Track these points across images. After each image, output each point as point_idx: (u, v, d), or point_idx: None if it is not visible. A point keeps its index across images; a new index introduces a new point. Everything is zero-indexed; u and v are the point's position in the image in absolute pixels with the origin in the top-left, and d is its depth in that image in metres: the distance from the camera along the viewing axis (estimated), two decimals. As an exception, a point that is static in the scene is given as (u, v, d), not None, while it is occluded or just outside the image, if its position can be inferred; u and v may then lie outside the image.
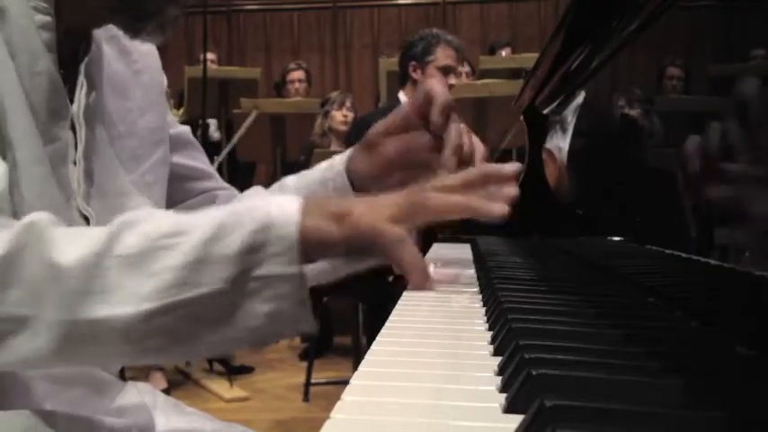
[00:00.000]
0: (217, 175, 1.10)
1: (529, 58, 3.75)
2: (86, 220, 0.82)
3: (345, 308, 3.80)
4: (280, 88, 5.79)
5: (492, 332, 0.61)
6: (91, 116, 0.84)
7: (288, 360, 4.30)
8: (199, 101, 4.06)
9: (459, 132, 0.89)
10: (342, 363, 3.99)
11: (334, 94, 4.78)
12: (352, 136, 3.36)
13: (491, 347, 0.56)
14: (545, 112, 1.40)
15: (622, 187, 1.05)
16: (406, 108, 0.94)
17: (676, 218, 0.81)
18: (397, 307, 0.71)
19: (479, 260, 1.03)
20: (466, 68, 4.90)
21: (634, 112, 1.03)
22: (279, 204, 0.67)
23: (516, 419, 0.38)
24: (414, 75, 3.27)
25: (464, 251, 1.21)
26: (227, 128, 4.65)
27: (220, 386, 3.65)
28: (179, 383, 3.80)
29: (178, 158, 1.01)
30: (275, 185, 1.04)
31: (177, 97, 5.08)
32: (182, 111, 4.77)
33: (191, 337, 0.65)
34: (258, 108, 4.20)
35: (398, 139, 0.93)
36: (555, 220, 1.34)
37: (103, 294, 0.63)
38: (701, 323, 0.63)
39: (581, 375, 0.43)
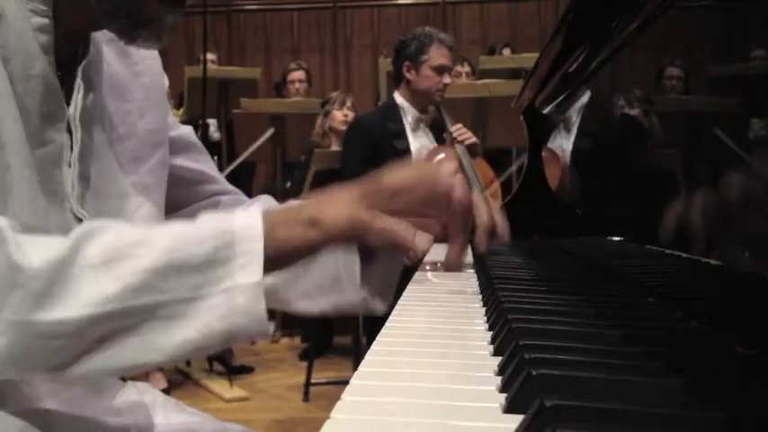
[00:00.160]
0: (222, 178, 1.08)
1: (529, 58, 3.75)
2: (80, 223, 0.82)
3: (345, 308, 3.79)
4: (280, 88, 5.79)
5: (492, 332, 0.61)
6: (88, 118, 0.84)
7: (288, 360, 4.30)
8: (199, 101, 4.05)
9: (489, 213, 0.86)
10: (342, 363, 3.99)
11: (334, 94, 4.78)
12: (349, 137, 3.36)
13: (491, 347, 0.56)
14: (545, 112, 1.40)
15: (622, 187, 1.05)
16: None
17: (676, 218, 0.81)
18: (397, 307, 0.71)
19: (479, 260, 1.03)
20: (466, 68, 4.90)
21: (634, 112, 1.03)
22: (242, 219, 0.67)
23: (516, 419, 0.38)
24: (408, 75, 3.25)
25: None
26: (228, 128, 4.65)
27: (220, 386, 3.65)
28: (179, 383, 3.80)
29: (181, 161, 1.00)
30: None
31: (177, 97, 5.08)
32: (182, 111, 4.77)
33: (144, 347, 0.65)
34: (270, 125, 4.16)
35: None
36: (555, 220, 1.34)
37: (64, 297, 0.63)
38: (700, 323, 0.63)
39: (581, 375, 0.43)
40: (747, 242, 0.63)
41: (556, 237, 1.32)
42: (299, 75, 5.45)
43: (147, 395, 0.97)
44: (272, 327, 4.73)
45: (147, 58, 0.96)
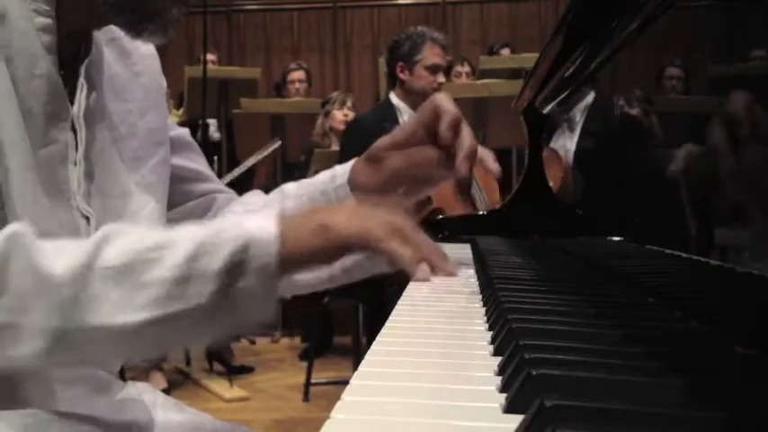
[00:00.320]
0: (215, 177, 1.10)
1: (529, 58, 3.75)
2: (87, 221, 0.82)
3: (345, 308, 3.80)
4: (280, 88, 5.79)
5: (492, 332, 0.61)
6: (91, 117, 0.84)
7: (288, 360, 4.30)
8: (199, 101, 4.06)
9: (472, 139, 0.89)
10: (342, 363, 3.99)
11: (335, 94, 4.78)
12: (346, 138, 3.36)
13: (491, 347, 0.56)
14: (545, 112, 1.40)
15: (622, 187, 1.05)
16: (413, 122, 0.93)
17: (676, 218, 0.82)
18: (396, 307, 0.71)
19: (479, 260, 1.03)
20: (466, 68, 4.91)
21: (634, 113, 1.03)
22: (256, 224, 0.70)
23: (516, 419, 0.38)
24: (401, 75, 3.24)
25: (464, 251, 1.21)
26: (228, 128, 4.65)
27: (220, 386, 3.65)
28: (179, 383, 3.80)
29: (177, 160, 1.01)
30: (275, 192, 1.04)
31: (177, 97, 5.08)
32: (182, 111, 4.77)
33: (168, 344, 0.72)
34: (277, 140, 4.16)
35: (404, 153, 0.93)
36: (555, 220, 1.34)
37: (96, 303, 0.65)
38: (700, 323, 0.63)
39: (581, 375, 0.43)
40: (747, 242, 0.63)
41: (556, 237, 1.32)
42: (299, 75, 5.45)
43: (147, 395, 0.97)
44: (276, 334, 4.74)
45: (146, 59, 0.97)
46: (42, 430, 0.77)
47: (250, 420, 3.04)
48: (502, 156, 3.77)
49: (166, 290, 0.66)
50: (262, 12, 8.23)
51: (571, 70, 1.16)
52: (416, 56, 3.22)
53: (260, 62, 7.53)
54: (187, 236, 0.68)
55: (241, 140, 4.44)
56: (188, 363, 4.01)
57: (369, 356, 0.53)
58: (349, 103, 4.54)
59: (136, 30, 0.82)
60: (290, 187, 1.02)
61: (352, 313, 3.66)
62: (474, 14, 8.01)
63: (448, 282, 0.87)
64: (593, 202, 1.22)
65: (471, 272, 0.95)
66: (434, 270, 0.77)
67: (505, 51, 5.90)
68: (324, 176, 1.00)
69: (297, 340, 4.69)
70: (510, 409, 0.42)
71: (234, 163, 4.64)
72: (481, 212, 1.35)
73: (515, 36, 7.48)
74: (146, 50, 0.97)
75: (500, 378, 0.48)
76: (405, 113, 3.22)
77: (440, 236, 1.34)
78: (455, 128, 0.88)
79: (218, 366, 3.90)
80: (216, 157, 4.57)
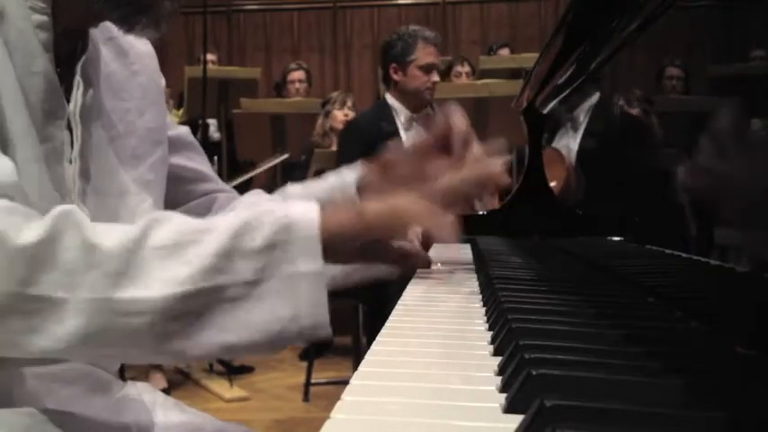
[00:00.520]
0: (216, 176, 1.10)
1: (529, 58, 3.75)
2: None
3: (345, 308, 3.80)
4: (280, 88, 5.79)
5: (492, 332, 0.61)
6: (87, 115, 0.85)
7: (288, 360, 4.30)
8: (199, 101, 4.05)
9: (482, 157, 0.92)
10: (342, 363, 3.99)
11: (335, 94, 4.78)
12: (343, 138, 3.35)
13: (491, 347, 0.56)
14: (545, 111, 1.40)
15: (622, 187, 1.05)
16: (425, 137, 0.97)
17: (676, 218, 0.82)
18: (397, 307, 0.71)
19: (479, 260, 1.03)
20: (466, 68, 4.90)
21: (634, 113, 1.03)
22: (299, 209, 0.71)
23: (516, 419, 0.38)
24: (395, 76, 3.21)
25: (464, 251, 1.21)
26: (228, 128, 4.65)
27: (220, 386, 3.64)
28: (179, 383, 3.80)
29: (178, 160, 1.01)
30: (278, 192, 1.05)
31: (177, 97, 5.08)
32: (182, 111, 4.77)
33: (213, 326, 0.67)
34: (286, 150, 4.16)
35: (415, 164, 0.95)
36: (555, 220, 1.34)
37: (141, 278, 0.66)
38: (700, 323, 0.63)
39: (581, 375, 0.43)
40: (747, 242, 0.63)
41: (556, 237, 1.32)
42: (299, 75, 5.45)
43: (147, 395, 0.97)
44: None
45: (144, 58, 0.97)
46: (42, 430, 0.77)
47: (250, 420, 3.03)
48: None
49: (209, 262, 0.66)
50: (262, 12, 8.24)
51: (571, 70, 1.16)
52: (409, 56, 3.20)
53: (260, 62, 7.54)
54: (230, 219, 0.70)
55: (241, 140, 4.44)
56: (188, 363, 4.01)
57: (369, 356, 0.53)
58: (349, 103, 4.54)
59: (129, 23, 0.82)
60: (294, 189, 1.03)
61: (352, 313, 3.66)
62: (474, 14, 8.02)
63: (448, 282, 0.87)
64: (594, 202, 1.22)
65: (471, 272, 0.95)
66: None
67: (505, 51, 5.89)
68: (331, 179, 1.01)
69: (297, 340, 4.69)
70: (510, 409, 0.42)
71: (234, 163, 4.65)
72: (481, 212, 1.34)
73: (515, 36, 7.49)
74: (143, 49, 0.97)
75: (500, 378, 0.48)
76: (401, 114, 3.21)
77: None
78: (465, 144, 0.92)
79: (218, 366, 3.90)
80: (216, 157, 4.57)
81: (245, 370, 3.98)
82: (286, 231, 0.68)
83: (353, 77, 8.09)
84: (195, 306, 0.66)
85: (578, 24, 1.05)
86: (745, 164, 0.64)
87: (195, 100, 4.20)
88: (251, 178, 5.06)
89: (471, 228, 1.31)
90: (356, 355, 3.57)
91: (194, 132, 1.09)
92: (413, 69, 3.19)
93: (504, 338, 0.55)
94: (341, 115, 4.43)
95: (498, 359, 0.52)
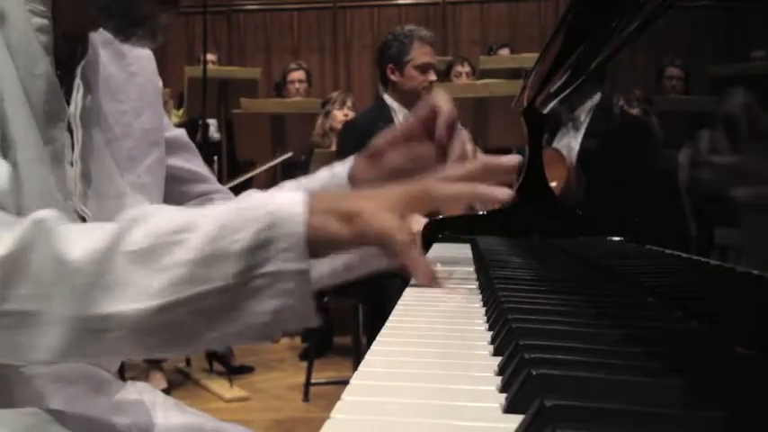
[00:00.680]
0: (213, 178, 1.10)
1: (529, 58, 3.75)
2: (83, 221, 0.82)
3: (345, 308, 3.80)
4: (280, 88, 5.79)
5: (492, 332, 0.61)
6: (87, 118, 0.85)
7: (288, 360, 4.30)
8: (199, 101, 4.06)
9: (463, 143, 0.91)
10: (342, 363, 3.99)
11: (335, 94, 4.78)
12: (342, 138, 3.35)
13: (491, 347, 0.56)
14: (545, 111, 1.40)
15: (622, 187, 1.05)
16: (411, 120, 0.96)
17: (676, 218, 0.81)
18: (397, 307, 0.71)
19: (479, 260, 1.03)
20: (466, 68, 4.90)
21: (634, 113, 1.03)
22: (284, 202, 0.68)
23: (516, 419, 0.38)
24: (392, 77, 3.21)
25: (464, 251, 1.21)
26: (228, 128, 4.65)
27: (220, 386, 3.64)
28: (179, 383, 3.80)
29: (174, 161, 1.02)
30: (273, 190, 1.05)
31: (177, 97, 5.08)
32: (182, 111, 4.77)
33: (196, 332, 0.66)
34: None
35: (402, 149, 0.95)
36: (555, 220, 1.34)
37: (113, 290, 0.64)
38: (700, 323, 0.63)
39: (581, 375, 0.43)
40: (747, 242, 0.63)
41: (556, 237, 1.32)
42: (299, 75, 5.45)
43: (147, 395, 0.97)
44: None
45: (142, 59, 0.97)
46: (42, 430, 0.77)
47: (250, 420, 3.03)
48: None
49: (189, 271, 0.64)
50: (262, 12, 8.24)
51: (571, 70, 1.16)
52: (405, 56, 3.20)
53: (260, 62, 7.54)
54: (212, 216, 0.67)
55: (241, 140, 4.44)
56: (188, 363, 4.00)
57: (369, 356, 0.53)
58: (349, 103, 4.54)
59: (125, 34, 0.82)
60: (289, 185, 1.03)
61: (352, 313, 3.66)
62: (474, 14, 8.02)
63: (448, 282, 0.87)
64: (594, 202, 1.22)
65: (471, 272, 0.95)
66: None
67: (505, 51, 5.89)
68: (323, 173, 1.01)
69: (297, 340, 4.69)
70: (510, 409, 0.42)
71: (234, 163, 4.65)
72: (481, 212, 1.34)
73: (515, 36, 7.49)
74: (141, 51, 0.97)
75: (500, 378, 0.48)
76: (399, 113, 3.21)
77: (440, 236, 1.34)
78: (450, 127, 0.91)
79: (218, 366, 3.90)
80: (216, 157, 4.57)
81: (245, 370, 3.98)
82: (270, 229, 0.65)
83: (353, 77, 8.09)
84: (173, 317, 0.65)
85: (578, 24, 1.05)
86: (746, 164, 0.64)
87: (195, 100, 4.21)
88: (251, 178, 5.07)
89: (471, 228, 1.31)
90: (356, 355, 3.57)
91: (194, 132, 1.10)
92: (409, 70, 3.19)
93: (504, 338, 0.55)
94: (340, 115, 4.42)
95: (498, 359, 0.52)
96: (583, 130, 1.39)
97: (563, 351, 0.49)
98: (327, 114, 4.49)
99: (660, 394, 0.41)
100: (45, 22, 0.79)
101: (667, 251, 0.82)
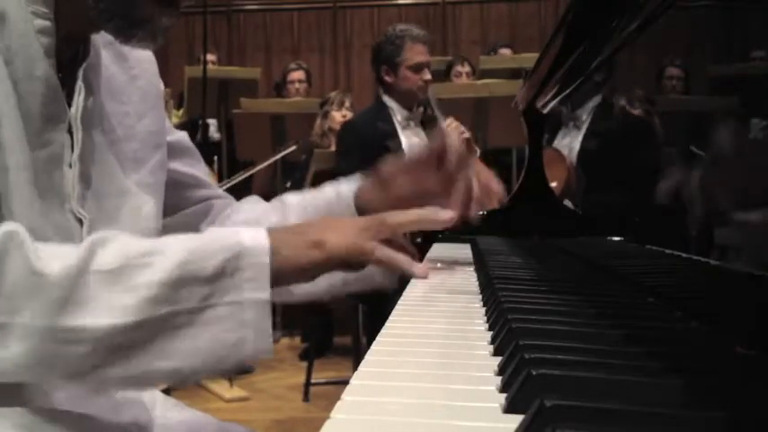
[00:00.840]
0: (213, 183, 1.10)
1: (529, 58, 3.75)
2: (80, 224, 0.82)
3: (345, 308, 3.80)
4: (280, 88, 5.79)
5: (492, 332, 0.61)
6: (88, 120, 0.85)
7: (288, 360, 4.30)
8: (199, 101, 4.05)
9: (469, 182, 0.96)
10: (342, 363, 3.99)
11: (332, 94, 4.77)
12: (341, 139, 3.34)
13: (491, 347, 0.56)
14: (545, 111, 1.40)
15: (622, 187, 1.05)
16: (423, 152, 1.00)
17: (676, 218, 0.81)
18: (396, 307, 0.71)
19: (479, 260, 1.03)
20: (466, 68, 4.90)
21: (635, 113, 1.03)
22: (252, 234, 0.72)
23: (516, 419, 0.38)
24: (387, 78, 3.20)
25: (464, 251, 1.21)
26: (228, 128, 4.65)
27: (220, 386, 3.64)
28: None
29: (176, 165, 1.01)
30: (276, 200, 1.06)
31: (177, 97, 5.08)
32: (182, 111, 4.77)
33: (157, 353, 0.67)
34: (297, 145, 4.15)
35: (411, 177, 0.98)
36: (555, 220, 1.34)
37: (85, 305, 0.66)
38: (700, 323, 0.63)
39: (581, 375, 0.43)
40: (747, 242, 0.63)
41: (556, 237, 1.32)
42: (298, 75, 5.45)
43: (146, 394, 0.97)
44: (276, 334, 4.73)
45: (143, 62, 0.97)
46: (42, 430, 0.77)
47: (250, 420, 3.03)
48: (502, 156, 3.79)
49: (156, 292, 0.66)
50: (262, 12, 8.23)
51: (571, 70, 1.16)
52: (399, 57, 3.19)
53: (260, 62, 7.53)
54: (180, 243, 0.70)
55: (241, 140, 4.43)
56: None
57: (369, 356, 0.53)
58: (347, 103, 4.54)
59: (125, 36, 0.82)
60: (292, 199, 1.04)
61: (352, 313, 3.66)
62: (474, 14, 8.01)
63: (448, 282, 0.87)
64: (597, 202, 1.22)
65: (471, 272, 0.96)
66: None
67: (505, 51, 5.89)
68: (329, 192, 1.02)
69: (297, 340, 4.69)
70: (510, 409, 0.42)
71: (234, 163, 4.64)
72: (481, 212, 1.35)
73: (515, 36, 7.48)
74: (143, 54, 0.97)
75: (500, 378, 0.48)
76: (397, 113, 3.21)
77: (440, 236, 1.34)
78: (460, 164, 0.96)
79: (218, 366, 3.89)
80: (216, 157, 4.57)
81: (245, 370, 3.97)
82: (236, 258, 0.69)
83: (353, 77, 8.08)
84: (139, 336, 0.67)
85: (578, 24, 1.05)
86: (745, 164, 0.64)
87: (195, 100, 4.20)
88: (251, 176, 5.07)
89: (471, 228, 1.31)
90: (356, 355, 3.57)
91: (194, 132, 1.10)
92: (403, 70, 3.19)
93: (505, 338, 0.55)
94: (339, 116, 4.42)
95: (498, 359, 0.52)
96: (584, 130, 1.39)
97: (563, 351, 0.49)
98: (326, 115, 4.49)
99: (660, 394, 0.41)
100: (47, 24, 0.79)
101: (667, 251, 0.82)
